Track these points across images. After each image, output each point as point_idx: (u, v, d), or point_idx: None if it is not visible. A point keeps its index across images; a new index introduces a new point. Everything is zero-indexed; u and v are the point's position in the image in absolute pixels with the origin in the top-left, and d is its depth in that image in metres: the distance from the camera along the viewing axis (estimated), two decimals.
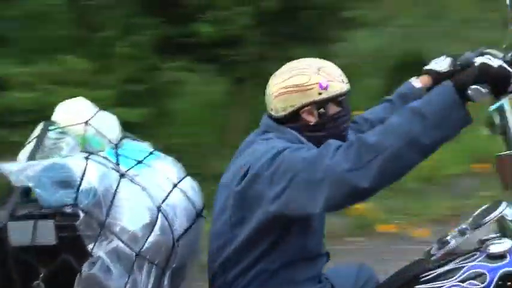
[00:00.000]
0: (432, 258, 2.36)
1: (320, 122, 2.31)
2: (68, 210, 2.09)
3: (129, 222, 2.12)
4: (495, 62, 2.05)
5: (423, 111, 2.00)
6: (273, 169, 2.10)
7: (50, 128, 2.30)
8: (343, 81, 2.33)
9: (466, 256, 2.29)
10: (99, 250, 2.09)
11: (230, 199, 2.25)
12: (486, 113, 2.32)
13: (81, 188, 2.08)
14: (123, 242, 2.12)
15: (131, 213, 2.13)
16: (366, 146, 1.99)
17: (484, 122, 2.36)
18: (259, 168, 2.14)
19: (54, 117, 2.37)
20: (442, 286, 2.26)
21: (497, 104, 2.25)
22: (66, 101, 2.47)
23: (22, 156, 2.24)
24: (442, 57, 2.73)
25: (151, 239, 2.18)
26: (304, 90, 2.28)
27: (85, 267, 2.08)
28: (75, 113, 2.36)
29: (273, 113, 2.36)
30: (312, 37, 7.57)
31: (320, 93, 2.28)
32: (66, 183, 2.10)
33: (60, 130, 2.27)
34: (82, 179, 2.10)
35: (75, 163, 2.14)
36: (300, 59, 2.43)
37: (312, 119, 2.30)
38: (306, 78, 2.29)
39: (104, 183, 2.14)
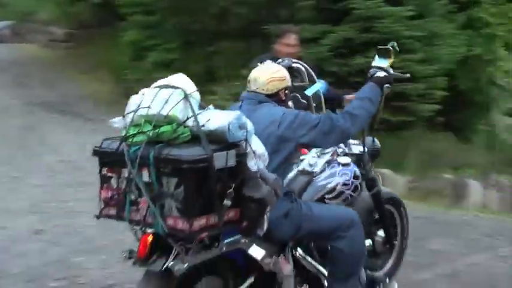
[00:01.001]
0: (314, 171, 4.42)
1: (285, 98, 4.16)
2: (242, 143, 3.34)
3: (261, 148, 3.50)
4: (384, 74, 4.41)
5: (369, 96, 4.10)
6: (298, 122, 3.83)
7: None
8: None
9: (331, 166, 4.48)
10: (254, 166, 3.41)
11: (271, 138, 3.77)
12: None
13: (249, 129, 3.39)
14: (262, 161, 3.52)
15: (258, 143, 3.51)
16: (353, 116, 3.93)
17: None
18: (289, 121, 3.83)
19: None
20: (332, 180, 4.39)
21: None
22: (177, 76, 3.60)
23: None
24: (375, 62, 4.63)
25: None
26: (283, 80, 4.12)
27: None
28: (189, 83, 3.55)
29: (264, 92, 4.03)
30: None
31: (288, 83, 4.16)
32: (243, 126, 3.34)
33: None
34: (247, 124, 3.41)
35: (241, 114, 3.40)
36: (268, 63, 4.26)
37: (283, 96, 4.13)
38: (284, 73, 4.17)
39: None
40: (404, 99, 11.66)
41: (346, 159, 4.57)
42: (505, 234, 8.06)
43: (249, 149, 3.37)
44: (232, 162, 3.27)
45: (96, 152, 3.53)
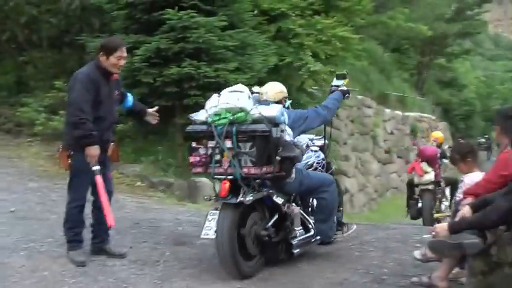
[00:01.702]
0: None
1: (284, 103, 6.53)
2: (282, 124, 5.92)
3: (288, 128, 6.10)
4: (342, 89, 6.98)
5: (337, 99, 6.84)
6: (296, 118, 6.42)
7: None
8: None
9: (306, 152, 7.10)
10: (288, 137, 6.02)
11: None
12: None
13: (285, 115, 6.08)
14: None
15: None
16: (328, 109, 6.67)
17: None
18: (292, 117, 6.34)
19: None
20: (310, 159, 7.05)
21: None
22: (240, 85, 6.28)
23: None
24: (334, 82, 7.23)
25: None
26: (283, 93, 6.69)
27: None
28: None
29: (272, 100, 6.36)
30: None
31: (285, 94, 6.75)
32: (283, 114, 5.93)
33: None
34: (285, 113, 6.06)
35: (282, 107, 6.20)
36: (271, 83, 6.91)
37: (283, 102, 6.56)
38: (283, 89, 6.76)
39: None
40: None
41: (315, 148, 7.30)
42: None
43: (284, 127, 5.99)
44: (279, 134, 5.83)
45: (188, 132, 6.05)
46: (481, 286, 4.69)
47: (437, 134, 14.40)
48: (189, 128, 6.03)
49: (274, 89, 6.62)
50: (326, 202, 6.57)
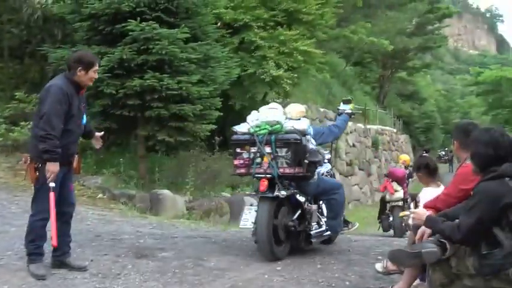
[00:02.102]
0: None
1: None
2: (309, 135, 7.54)
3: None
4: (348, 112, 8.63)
5: (345, 120, 8.53)
6: (315, 133, 7.85)
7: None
8: None
9: None
10: (312, 145, 7.55)
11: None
12: None
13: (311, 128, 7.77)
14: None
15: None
16: (339, 128, 8.36)
17: None
18: (317, 131, 8.05)
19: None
20: (321, 168, 8.12)
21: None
22: (274, 103, 8.35)
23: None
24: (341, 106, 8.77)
25: None
26: (303, 112, 7.90)
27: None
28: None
29: (294, 117, 7.52)
30: None
31: (305, 113, 8.06)
32: (309, 127, 7.69)
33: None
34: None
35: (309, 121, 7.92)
36: (294, 104, 8.27)
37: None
38: (303, 108, 8.02)
39: None
40: (181, 120, 11.82)
41: (326, 160, 8.47)
42: None
43: (310, 138, 7.53)
44: (307, 143, 7.31)
45: (233, 141, 7.47)
46: None
47: (405, 157, 16.21)
48: (234, 137, 7.54)
49: (296, 109, 7.86)
50: (336, 202, 7.93)
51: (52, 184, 5.88)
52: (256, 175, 7.32)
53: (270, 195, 7.13)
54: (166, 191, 12.01)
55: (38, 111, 5.97)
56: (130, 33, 11.49)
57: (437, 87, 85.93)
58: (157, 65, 11.64)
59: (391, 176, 14.51)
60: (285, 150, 7.18)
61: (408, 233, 6.64)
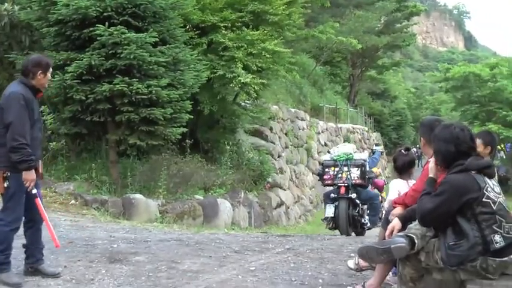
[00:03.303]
0: None
1: None
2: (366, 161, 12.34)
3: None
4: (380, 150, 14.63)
5: (379, 155, 14.54)
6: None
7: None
8: None
9: None
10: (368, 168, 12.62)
11: None
12: None
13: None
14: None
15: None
16: (377, 160, 14.42)
17: None
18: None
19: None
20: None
21: None
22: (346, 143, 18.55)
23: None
24: (374, 147, 16.03)
25: None
26: (355, 148, 13.96)
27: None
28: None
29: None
30: None
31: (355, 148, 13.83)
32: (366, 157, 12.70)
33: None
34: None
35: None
36: (348, 144, 15.42)
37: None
38: (354, 147, 13.79)
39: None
40: (152, 124, 11.81)
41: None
42: (252, 249, 8.44)
43: (367, 163, 12.12)
44: (367, 165, 12.01)
45: (322, 164, 12.52)
46: None
47: (376, 170, 17.07)
48: (324, 162, 12.48)
49: (353, 147, 13.04)
50: (376, 205, 12.24)
51: (34, 191, 5.89)
52: (339, 184, 11.71)
53: (346, 196, 11.58)
54: (138, 195, 11.99)
55: (3, 121, 5.90)
56: (98, 38, 11.44)
57: (407, 84, 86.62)
58: (126, 70, 11.61)
59: (374, 185, 15.44)
60: (356, 169, 11.79)
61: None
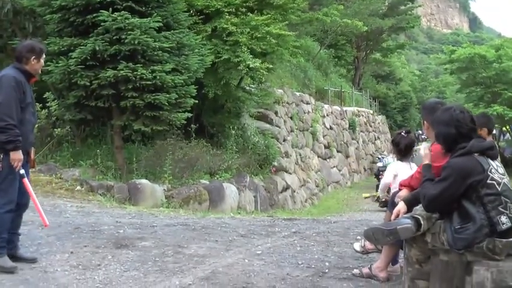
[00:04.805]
0: None
1: None
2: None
3: None
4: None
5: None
6: None
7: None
8: None
9: None
10: None
11: None
12: None
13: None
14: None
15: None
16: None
17: None
18: None
19: None
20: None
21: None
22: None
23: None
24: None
25: None
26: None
27: None
28: None
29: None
30: None
31: None
32: None
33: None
34: None
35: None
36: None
37: None
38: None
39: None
40: (157, 109, 11.79)
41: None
42: (259, 233, 8.45)
43: None
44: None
45: (380, 169, 22.51)
46: (419, 274, 4.79)
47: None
48: (380, 168, 18.72)
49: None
50: None
51: (22, 171, 5.92)
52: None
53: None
54: (144, 181, 12.00)
55: None
56: (102, 23, 11.43)
57: (412, 67, 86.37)
58: (131, 55, 11.59)
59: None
60: None
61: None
